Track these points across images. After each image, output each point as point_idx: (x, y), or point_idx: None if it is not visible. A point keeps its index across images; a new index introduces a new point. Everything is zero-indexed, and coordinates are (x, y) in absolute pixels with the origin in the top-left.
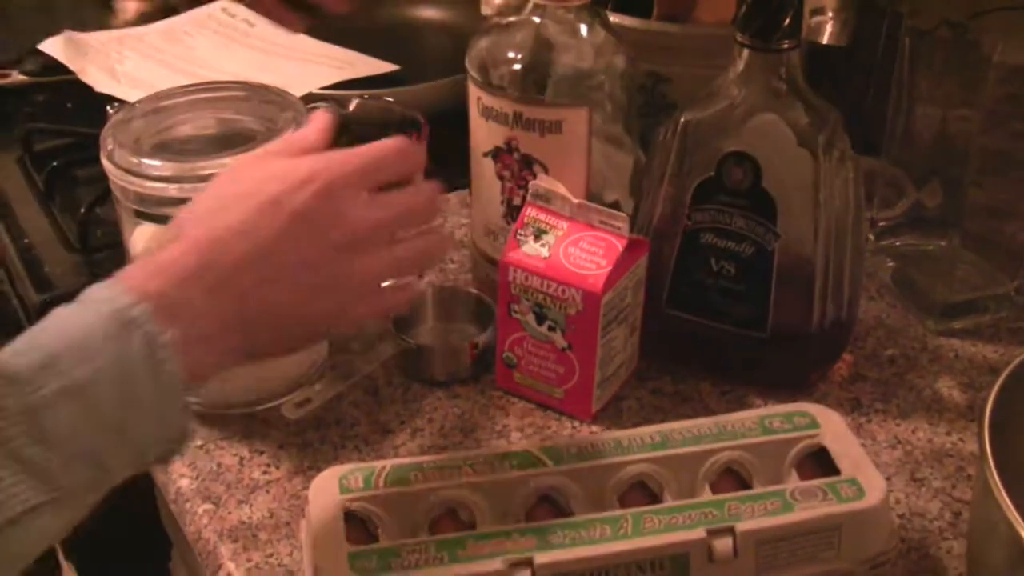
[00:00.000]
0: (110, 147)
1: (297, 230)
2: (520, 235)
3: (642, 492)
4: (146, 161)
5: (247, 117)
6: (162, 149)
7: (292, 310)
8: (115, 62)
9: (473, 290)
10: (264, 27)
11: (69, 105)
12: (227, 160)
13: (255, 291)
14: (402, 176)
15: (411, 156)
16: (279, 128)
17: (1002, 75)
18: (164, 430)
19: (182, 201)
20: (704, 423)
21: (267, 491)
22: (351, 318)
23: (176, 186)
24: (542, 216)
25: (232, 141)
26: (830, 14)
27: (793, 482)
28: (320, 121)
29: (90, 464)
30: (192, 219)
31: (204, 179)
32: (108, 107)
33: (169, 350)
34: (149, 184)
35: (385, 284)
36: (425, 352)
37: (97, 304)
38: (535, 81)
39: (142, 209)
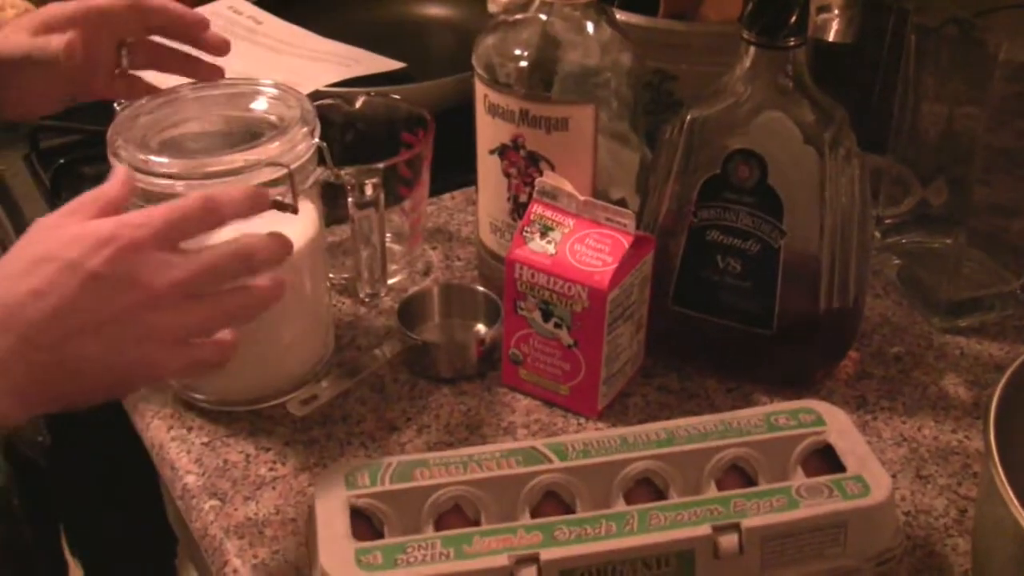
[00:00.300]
0: (117, 144)
1: (93, 291)
2: (526, 232)
3: (648, 489)
4: (153, 158)
5: (254, 114)
6: (169, 146)
7: (97, 364)
8: None
9: (479, 287)
10: (271, 24)
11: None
12: (234, 158)
13: (58, 348)
14: (211, 228)
15: (219, 208)
16: (286, 125)
17: (1008, 73)
18: None
19: None
20: (710, 420)
21: (273, 487)
22: (160, 371)
23: (183, 183)
24: (548, 213)
25: (239, 138)
26: (836, 11)
27: (799, 479)
28: (119, 176)
29: None
30: None
31: (210, 176)
32: (115, 104)
33: None
34: (156, 181)
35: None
36: (431, 349)
37: None
38: (541, 78)
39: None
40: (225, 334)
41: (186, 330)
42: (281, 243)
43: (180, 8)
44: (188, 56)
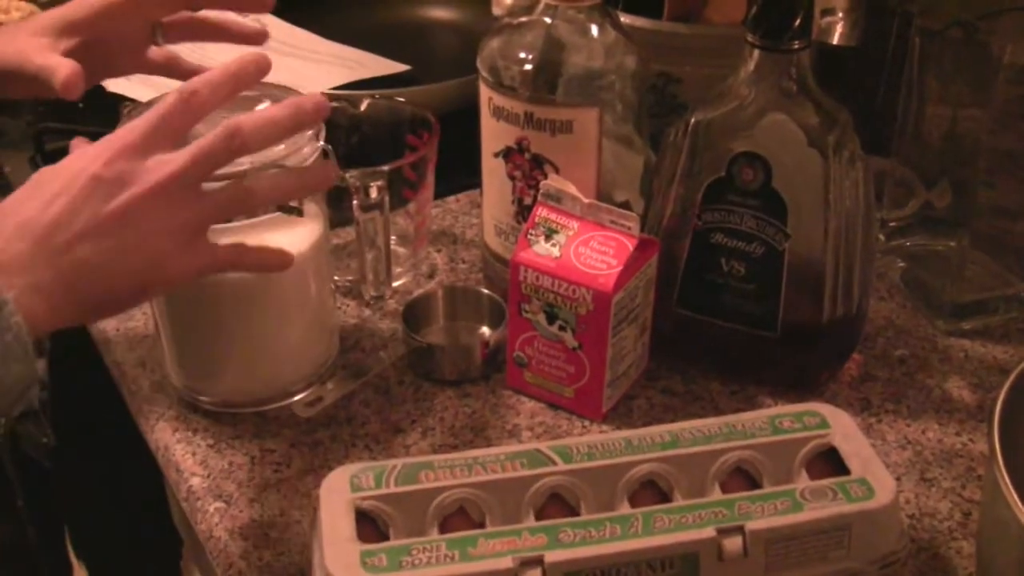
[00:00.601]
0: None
1: (94, 191)
2: (531, 235)
3: (652, 491)
4: None
5: None
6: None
7: (113, 263)
8: None
9: (484, 289)
10: (275, 27)
11: (81, 105)
12: (240, 160)
13: (72, 248)
14: (198, 118)
15: (197, 96)
16: None
17: (1012, 76)
18: (10, 382)
19: None
20: (714, 423)
21: (278, 490)
22: (174, 268)
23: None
24: (553, 216)
25: None
26: (840, 14)
27: (803, 482)
28: (79, 142)
29: None
30: (6, 206)
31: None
32: (121, 107)
33: (11, 306)
34: None
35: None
36: (436, 351)
37: None
38: (546, 81)
39: None
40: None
41: (193, 222)
42: (267, 119)
43: None
44: (227, 24)
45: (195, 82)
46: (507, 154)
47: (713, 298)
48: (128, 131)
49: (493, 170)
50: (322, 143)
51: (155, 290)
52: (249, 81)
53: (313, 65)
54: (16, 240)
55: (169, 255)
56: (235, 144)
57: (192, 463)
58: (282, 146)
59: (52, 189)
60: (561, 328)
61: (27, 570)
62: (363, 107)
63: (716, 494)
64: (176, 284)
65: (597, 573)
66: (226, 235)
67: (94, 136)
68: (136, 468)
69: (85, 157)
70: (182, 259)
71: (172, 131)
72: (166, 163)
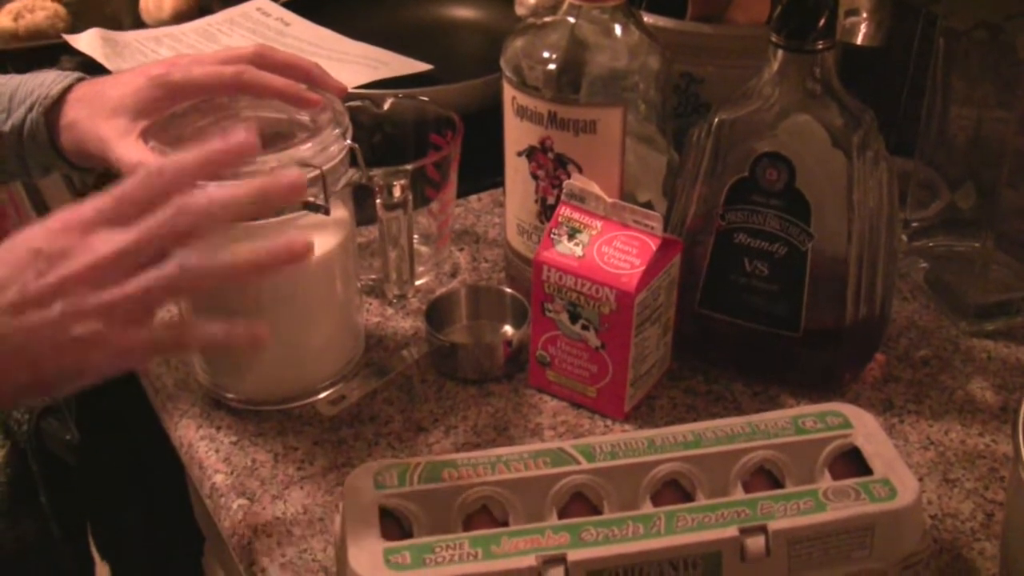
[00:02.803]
0: (151, 146)
1: (31, 266)
2: (554, 234)
3: (675, 491)
4: None
5: (285, 116)
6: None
7: (33, 339)
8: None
9: (507, 288)
10: (299, 27)
11: None
12: (267, 159)
13: (17, 322)
14: (161, 194)
15: (163, 173)
16: (319, 127)
17: None
18: None
19: None
20: (737, 422)
21: (301, 487)
22: (108, 353)
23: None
24: (576, 215)
25: (271, 140)
26: (865, 15)
27: (826, 482)
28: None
29: None
30: None
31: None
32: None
33: None
34: None
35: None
36: (459, 350)
37: None
38: (570, 81)
39: None
40: (218, 326)
41: (130, 304)
42: (227, 198)
43: (306, 62)
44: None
45: (166, 162)
46: (530, 153)
47: (736, 298)
48: (84, 206)
49: (516, 169)
50: (349, 142)
51: (90, 375)
52: (226, 167)
53: (337, 64)
54: None
55: (103, 337)
56: (181, 225)
57: (215, 460)
58: (308, 144)
59: (3, 257)
60: (584, 327)
61: (50, 566)
62: (386, 106)
63: (739, 494)
64: (114, 369)
65: (620, 572)
66: (249, 235)
67: None
68: (158, 465)
69: (35, 229)
70: (118, 342)
71: (129, 208)
72: (108, 241)
